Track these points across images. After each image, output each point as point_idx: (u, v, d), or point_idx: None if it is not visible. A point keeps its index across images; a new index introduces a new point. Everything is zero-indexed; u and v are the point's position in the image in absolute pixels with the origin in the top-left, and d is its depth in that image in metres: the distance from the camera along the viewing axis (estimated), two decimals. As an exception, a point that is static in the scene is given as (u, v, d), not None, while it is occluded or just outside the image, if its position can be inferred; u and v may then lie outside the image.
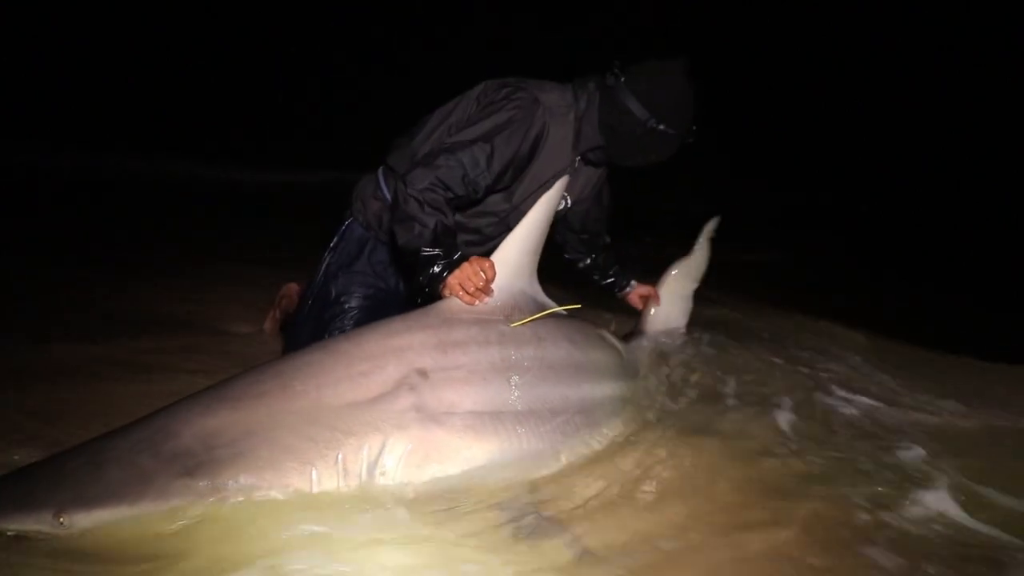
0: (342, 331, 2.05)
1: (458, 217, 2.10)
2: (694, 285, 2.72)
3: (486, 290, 1.64)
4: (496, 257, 1.69)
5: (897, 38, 18.28)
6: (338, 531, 1.22)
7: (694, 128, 2.01)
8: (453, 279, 1.65)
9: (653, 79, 1.97)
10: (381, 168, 2.25)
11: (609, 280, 2.63)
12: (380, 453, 1.30)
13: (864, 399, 2.36)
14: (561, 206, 2.25)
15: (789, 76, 18.14)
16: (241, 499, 1.20)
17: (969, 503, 1.59)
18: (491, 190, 1.98)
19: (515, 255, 1.72)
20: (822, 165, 17.53)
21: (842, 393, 2.38)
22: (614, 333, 2.31)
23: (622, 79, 1.97)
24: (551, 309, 1.76)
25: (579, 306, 1.82)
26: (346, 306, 2.21)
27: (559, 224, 2.46)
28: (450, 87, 2.17)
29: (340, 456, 1.27)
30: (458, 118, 2.04)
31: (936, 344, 3.59)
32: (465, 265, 1.65)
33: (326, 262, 2.30)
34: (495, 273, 1.65)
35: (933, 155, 17.21)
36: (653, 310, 2.56)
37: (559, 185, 1.76)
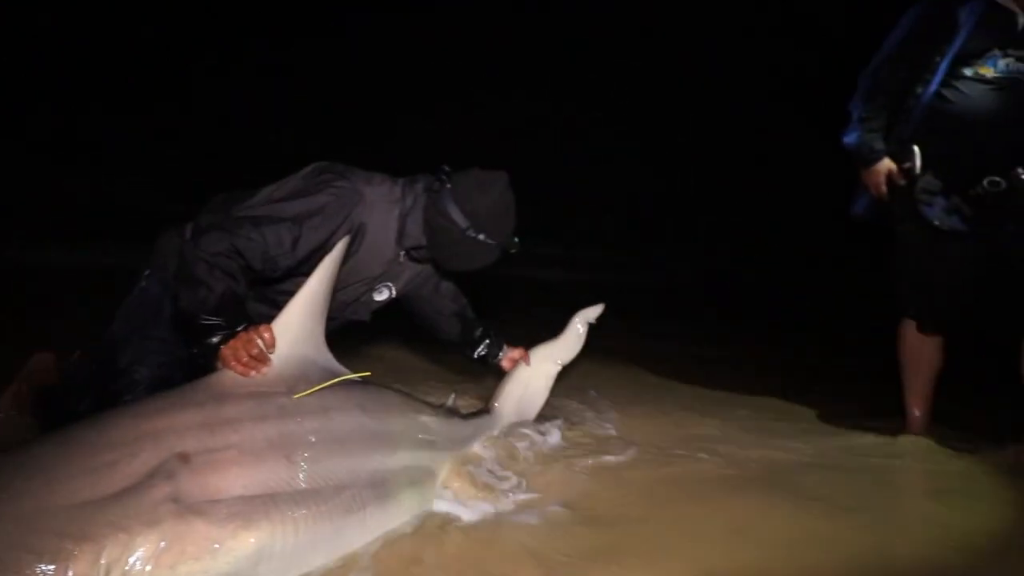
0: None
1: (273, 286, 2.00)
2: (557, 367, 2.71)
3: (263, 359, 1.53)
4: (276, 324, 1.59)
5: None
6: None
7: (516, 239, 2.12)
8: (227, 349, 1.53)
9: (475, 190, 2.06)
10: (190, 225, 2.07)
11: (481, 352, 2.62)
12: (122, 557, 1.13)
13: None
14: (385, 295, 2.25)
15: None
16: None
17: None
18: (294, 272, 1.91)
19: (297, 321, 1.64)
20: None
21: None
22: (445, 403, 2.30)
23: (448, 185, 2.04)
24: (341, 377, 1.70)
25: (369, 373, 1.78)
26: (135, 376, 1.99)
27: (411, 309, 2.53)
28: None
29: (68, 569, 1.08)
30: (278, 194, 1.96)
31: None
32: (240, 333, 1.55)
33: (113, 324, 2.04)
34: (274, 340, 1.56)
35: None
36: (512, 381, 2.55)
37: (339, 247, 1.73)
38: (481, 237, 2.04)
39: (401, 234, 2.09)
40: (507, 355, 2.66)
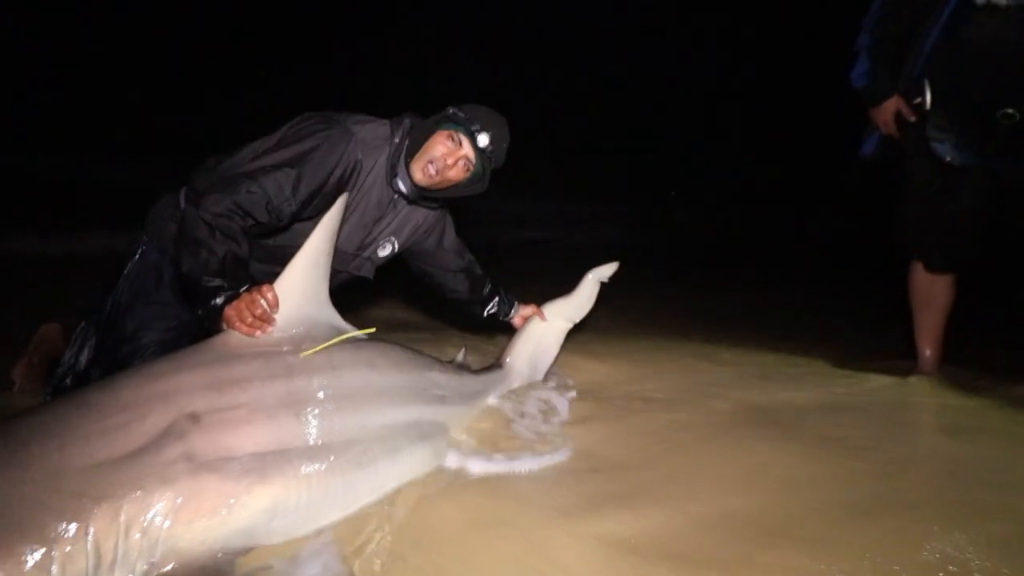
0: None
1: (277, 240, 1.99)
2: (569, 324, 2.71)
3: (267, 319, 1.53)
4: (279, 284, 1.58)
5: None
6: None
7: (485, 133, 2.03)
8: (230, 310, 1.53)
9: (466, 111, 2.03)
10: (184, 189, 2.06)
11: (491, 310, 2.61)
12: (141, 514, 1.15)
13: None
14: (388, 250, 2.23)
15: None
16: None
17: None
18: (297, 218, 1.89)
19: (301, 279, 1.62)
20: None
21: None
22: (455, 358, 2.30)
23: (438, 114, 2.02)
24: (347, 334, 1.69)
25: (374, 329, 1.77)
26: (144, 340, 2.02)
27: (418, 269, 2.51)
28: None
29: (90, 527, 1.10)
30: (267, 145, 1.94)
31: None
32: (244, 294, 1.54)
33: (115, 291, 2.05)
34: (277, 300, 1.55)
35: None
36: (524, 336, 2.55)
37: (339, 204, 1.71)
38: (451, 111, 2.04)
39: (392, 171, 2.06)
40: (519, 312, 2.66)
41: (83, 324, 2.13)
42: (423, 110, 2.17)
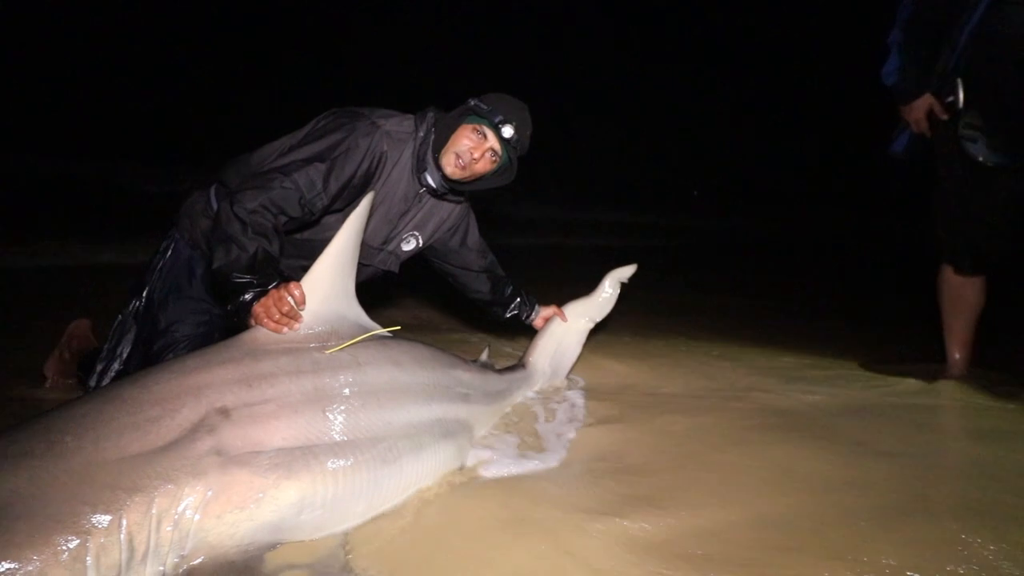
0: None
1: (306, 234, 2.01)
2: (590, 324, 2.72)
3: (294, 316, 1.54)
4: (306, 281, 1.59)
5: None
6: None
7: (510, 124, 2.04)
8: (258, 306, 1.55)
9: (491, 101, 2.04)
10: (214, 185, 2.09)
11: (513, 312, 2.63)
12: (172, 507, 1.17)
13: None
14: (412, 245, 2.24)
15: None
16: None
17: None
18: (328, 211, 1.92)
19: (327, 277, 1.63)
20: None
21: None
22: (479, 358, 2.31)
23: (461, 107, 2.04)
24: (371, 332, 1.70)
25: (399, 327, 1.78)
26: (176, 335, 2.06)
27: (442, 270, 2.53)
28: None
29: (122, 519, 1.11)
30: (295, 141, 1.96)
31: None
32: (271, 291, 1.56)
33: (149, 286, 2.08)
34: (304, 296, 1.56)
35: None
36: (546, 337, 2.56)
37: (366, 201, 1.72)
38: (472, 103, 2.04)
39: (417, 165, 2.08)
40: (540, 313, 2.66)
41: (120, 317, 2.17)
42: (438, 104, 2.19)
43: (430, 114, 2.11)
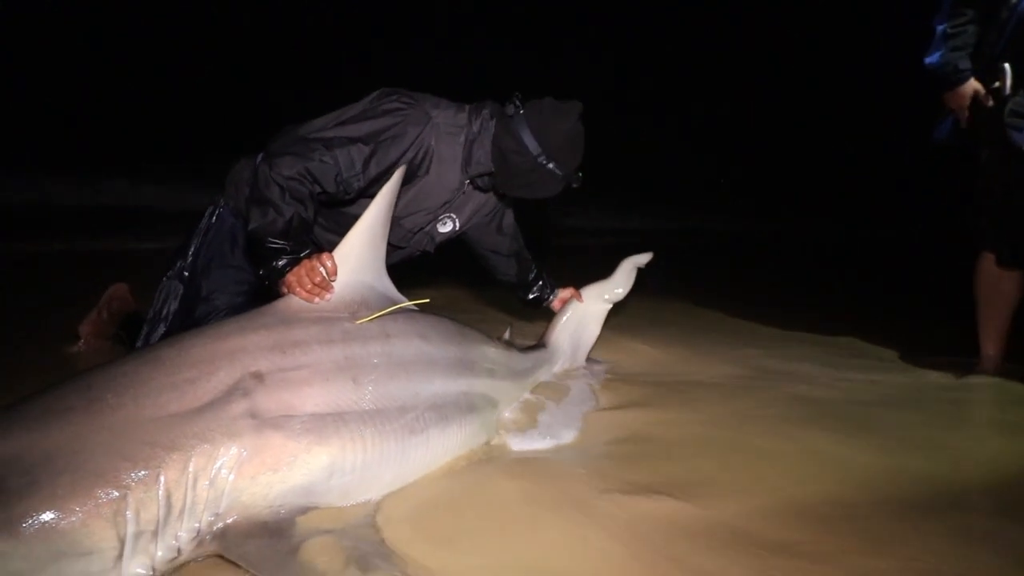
0: None
1: (339, 209, 2.03)
2: (608, 306, 2.74)
3: (326, 286, 1.57)
4: (338, 252, 1.62)
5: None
6: (160, 556, 1.13)
7: (580, 174, 2.07)
8: (291, 275, 1.57)
9: (550, 118, 2.00)
10: (262, 154, 2.11)
11: (534, 294, 2.65)
12: (208, 466, 1.20)
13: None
14: (449, 228, 2.25)
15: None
16: (39, 535, 1.03)
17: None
18: (364, 193, 1.93)
19: (358, 249, 1.66)
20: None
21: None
22: (502, 336, 2.32)
23: (521, 111, 1.99)
24: (399, 305, 1.72)
25: (427, 300, 1.80)
26: (217, 302, 2.11)
27: (473, 248, 2.54)
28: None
29: (160, 475, 1.15)
30: (345, 116, 1.95)
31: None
32: (304, 260, 1.58)
33: (192, 251, 2.12)
34: (335, 268, 1.59)
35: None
36: (565, 318, 2.58)
37: (396, 177, 1.73)
38: (551, 166, 1.99)
39: (467, 160, 2.06)
40: (558, 295, 2.67)
41: (164, 280, 2.20)
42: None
43: (485, 110, 2.07)
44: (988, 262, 2.67)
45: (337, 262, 1.60)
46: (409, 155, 1.94)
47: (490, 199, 2.33)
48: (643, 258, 2.78)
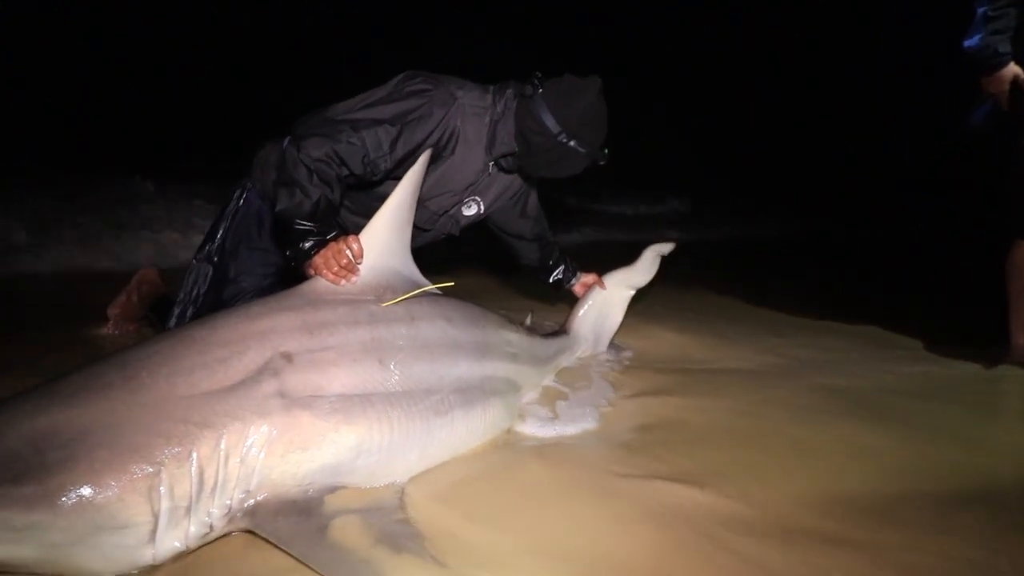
0: None
1: (365, 192, 2.04)
2: (630, 292, 2.74)
3: (352, 269, 1.58)
4: (364, 236, 1.62)
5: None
6: (193, 532, 1.15)
7: (605, 150, 2.05)
8: (318, 258, 1.58)
9: (569, 96, 1.98)
10: (288, 137, 2.13)
11: (557, 277, 2.64)
12: (239, 443, 1.22)
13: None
14: (474, 211, 2.24)
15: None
16: (77, 508, 1.05)
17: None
18: (391, 175, 1.93)
19: (384, 233, 1.67)
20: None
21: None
22: (524, 322, 2.33)
23: (540, 91, 1.98)
24: (424, 288, 1.73)
25: (452, 283, 1.80)
26: (244, 284, 2.13)
27: (496, 232, 2.54)
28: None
29: (193, 452, 1.17)
30: (372, 99, 1.96)
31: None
32: (331, 243, 1.59)
33: (221, 233, 2.15)
34: (362, 251, 1.60)
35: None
36: (587, 304, 2.58)
37: (422, 160, 1.72)
38: (572, 144, 1.98)
39: (492, 141, 2.05)
40: (580, 280, 2.66)
41: (193, 262, 2.23)
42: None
43: (509, 91, 2.07)
44: (1021, 250, 2.61)
45: (363, 245, 1.61)
46: (435, 136, 1.94)
47: (514, 181, 2.32)
48: (665, 247, 2.78)
